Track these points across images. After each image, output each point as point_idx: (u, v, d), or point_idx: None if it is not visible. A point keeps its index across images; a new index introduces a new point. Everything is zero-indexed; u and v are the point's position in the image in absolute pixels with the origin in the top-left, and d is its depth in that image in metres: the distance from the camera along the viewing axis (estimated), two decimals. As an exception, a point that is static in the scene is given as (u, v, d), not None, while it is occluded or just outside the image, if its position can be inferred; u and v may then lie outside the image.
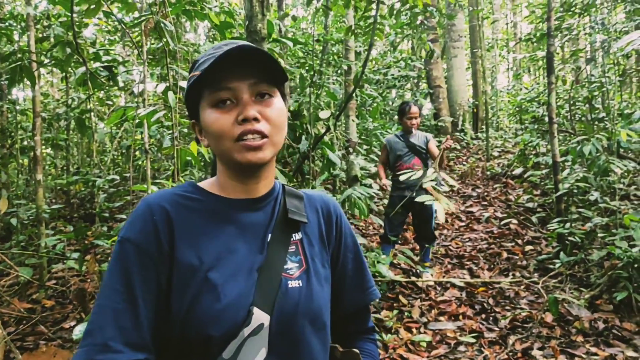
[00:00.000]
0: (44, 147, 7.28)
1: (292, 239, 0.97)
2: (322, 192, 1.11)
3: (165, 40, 2.26)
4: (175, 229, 0.87)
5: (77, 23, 3.66)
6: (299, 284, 0.92)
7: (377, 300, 3.83)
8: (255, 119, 0.87)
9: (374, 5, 4.03)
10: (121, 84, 3.83)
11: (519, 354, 3.02)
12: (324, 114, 3.64)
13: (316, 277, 0.96)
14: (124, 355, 0.78)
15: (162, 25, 2.18)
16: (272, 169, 0.98)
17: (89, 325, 0.80)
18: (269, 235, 0.94)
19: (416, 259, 4.54)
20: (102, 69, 3.67)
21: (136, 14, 3.55)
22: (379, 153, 5.51)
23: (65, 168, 7.49)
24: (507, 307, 3.76)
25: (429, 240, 4.44)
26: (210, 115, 0.88)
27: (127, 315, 0.80)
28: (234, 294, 0.84)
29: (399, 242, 5.15)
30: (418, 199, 3.55)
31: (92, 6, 2.31)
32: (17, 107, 5.95)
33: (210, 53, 0.92)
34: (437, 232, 5.92)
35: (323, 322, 0.95)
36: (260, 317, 0.85)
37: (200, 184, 0.98)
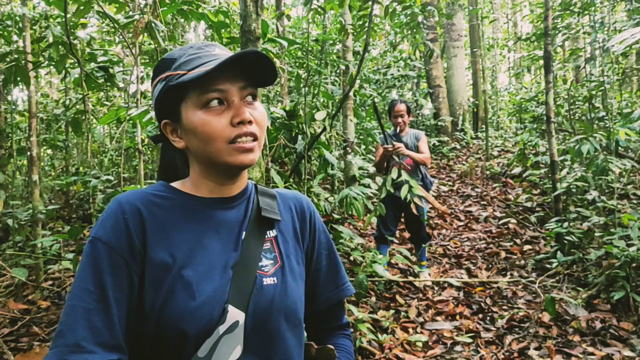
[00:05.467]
0: (44, 147, 7.28)
1: (266, 237, 0.97)
2: (295, 191, 1.11)
3: (156, 40, 2.25)
4: (147, 227, 0.86)
5: (72, 23, 3.65)
6: (274, 280, 0.92)
7: (375, 301, 3.82)
8: (249, 122, 0.88)
9: (369, 4, 4.01)
10: (121, 85, 3.82)
11: (516, 354, 3.00)
12: (319, 115, 3.63)
13: (291, 274, 0.96)
14: (97, 355, 0.76)
15: (152, 25, 2.18)
16: (247, 170, 0.99)
17: (60, 325, 0.79)
18: (244, 233, 0.93)
19: (414, 259, 4.53)
20: (98, 69, 3.67)
21: (129, 13, 3.54)
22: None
23: (64, 169, 7.49)
24: (505, 307, 3.75)
25: (423, 240, 4.44)
26: (199, 116, 0.87)
27: (98, 315, 0.79)
28: (209, 292, 0.84)
29: (396, 241, 5.13)
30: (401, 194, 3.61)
31: (81, 7, 2.30)
32: (17, 108, 5.95)
33: (193, 53, 0.91)
34: (435, 232, 5.91)
35: (298, 318, 0.96)
36: (235, 314, 0.84)
37: (173, 184, 0.97)
